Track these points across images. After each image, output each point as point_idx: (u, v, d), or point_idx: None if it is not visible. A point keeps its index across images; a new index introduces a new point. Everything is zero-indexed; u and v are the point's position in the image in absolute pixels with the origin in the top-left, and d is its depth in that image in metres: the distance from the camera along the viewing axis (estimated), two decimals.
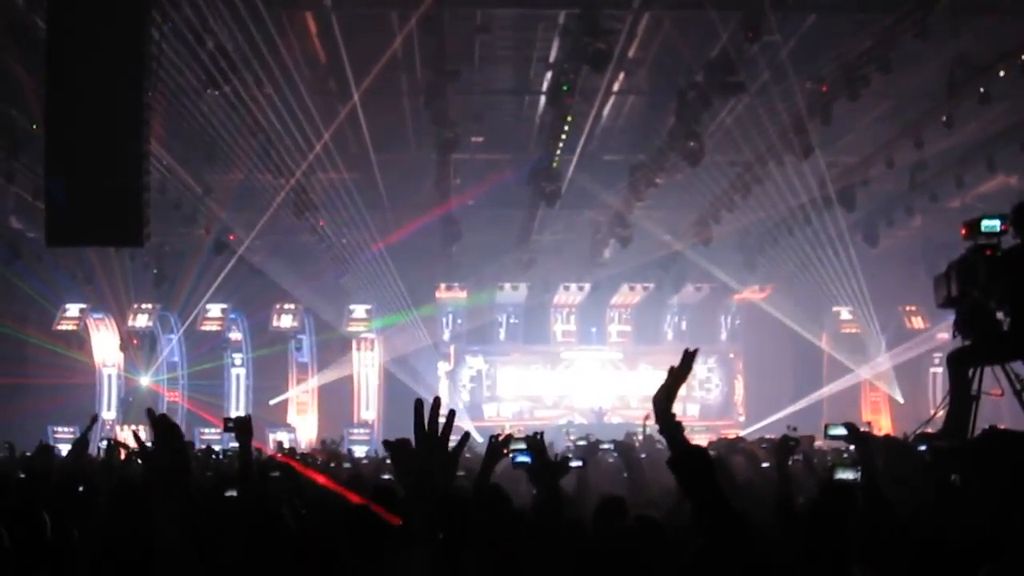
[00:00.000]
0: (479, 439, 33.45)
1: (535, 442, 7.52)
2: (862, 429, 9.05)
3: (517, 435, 8.11)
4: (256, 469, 11.10)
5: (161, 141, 22.28)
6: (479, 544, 6.49)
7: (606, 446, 13.95)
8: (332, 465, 16.59)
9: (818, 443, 15.70)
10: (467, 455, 16.72)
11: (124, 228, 17.10)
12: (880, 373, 35.92)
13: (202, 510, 5.75)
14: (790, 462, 9.39)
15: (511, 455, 7.61)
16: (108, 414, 35.42)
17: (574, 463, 8.48)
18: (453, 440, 5.98)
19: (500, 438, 8.11)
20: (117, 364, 36.46)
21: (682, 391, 5.46)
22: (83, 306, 35.46)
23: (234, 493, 8.47)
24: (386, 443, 5.87)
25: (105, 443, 16.09)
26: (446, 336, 38.43)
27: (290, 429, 35.37)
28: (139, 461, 15.41)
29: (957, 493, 6.24)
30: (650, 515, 6.70)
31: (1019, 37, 20.10)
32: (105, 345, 36.54)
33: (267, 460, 15.34)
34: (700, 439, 29.75)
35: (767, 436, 17.40)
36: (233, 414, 28.07)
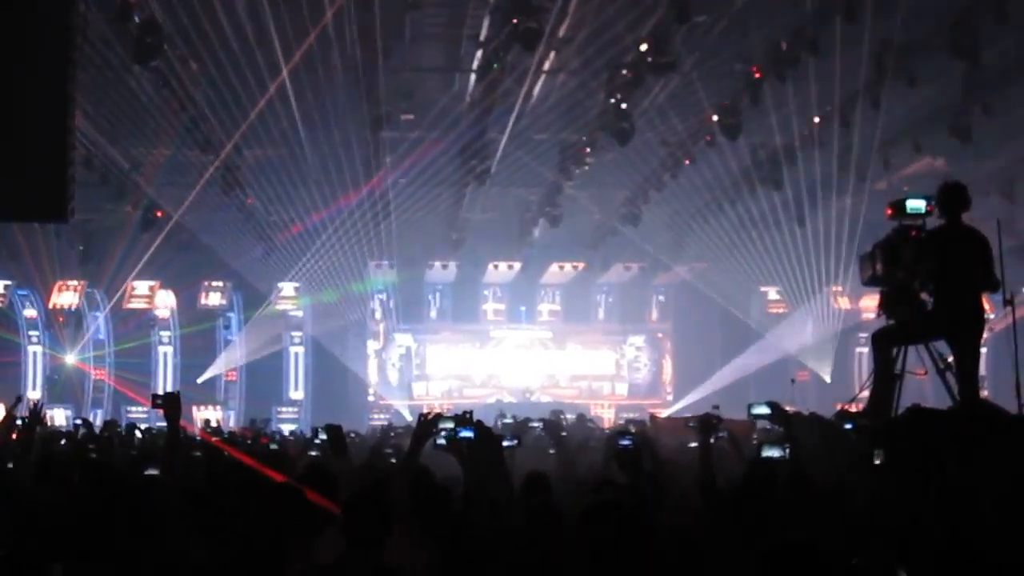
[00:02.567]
0: (408, 417, 33.55)
1: (469, 421, 7.53)
2: (787, 407, 9.14)
3: (446, 414, 8.11)
4: (187, 449, 11.04)
5: (87, 116, 22.04)
6: (409, 524, 6.50)
7: (534, 424, 14.01)
8: (260, 443, 16.55)
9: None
10: (392, 434, 16.72)
11: (49, 203, 16.87)
12: (807, 352, 36.24)
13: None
14: (713, 440, 9.49)
15: (436, 436, 7.60)
16: (33, 393, 35.07)
17: (507, 442, 8.49)
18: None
19: (428, 416, 8.10)
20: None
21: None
22: (7, 283, 35.00)
23: (155, 472, 8.42)
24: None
25: (21, 421, 15.95)
26: (376, 314, 38.30)
27: (217, 408, 35.15)
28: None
29: (878, 470, 6.33)
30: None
31: (947, 19, 20.27)
32: None
33: (190, 440, 15.27)
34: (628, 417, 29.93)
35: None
36: (161, 391, 27.87)
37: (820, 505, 6.64)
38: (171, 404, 8.62)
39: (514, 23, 19.09)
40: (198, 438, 17.23)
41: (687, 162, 27.31)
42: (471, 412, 7.64)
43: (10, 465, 9.97)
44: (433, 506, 6.94)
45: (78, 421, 20.87)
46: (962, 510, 4.75)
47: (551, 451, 11.59)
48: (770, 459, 7.84)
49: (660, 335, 39.63)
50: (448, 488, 7.25)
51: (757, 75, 22.10)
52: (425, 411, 8.56)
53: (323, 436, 10.03)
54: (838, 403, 12.55)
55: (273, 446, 16.68)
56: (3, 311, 35.25)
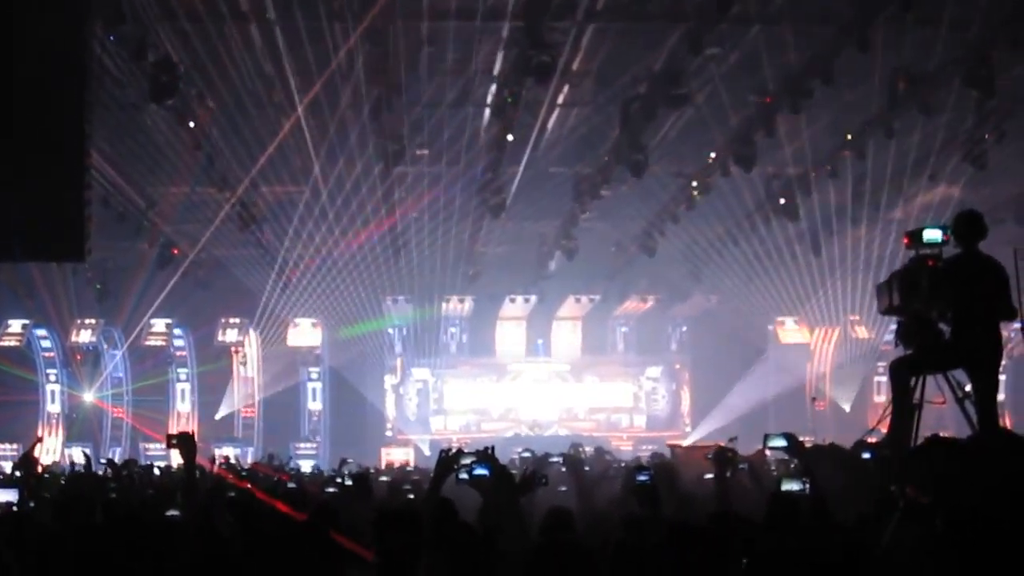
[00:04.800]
0: (427, 452, 33.52)
1: (489, 457, 7.51)
2: (805, 440, 9.11)
3: (466, 449, 8.08)
4: (207, 489, 10.98)
5: (104, 154, 22.13)
6: (432, 558, 6.47)
7: (554, 459, 13.95)
8: (277, 479, 16.50)
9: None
10: (409, 468, 16.68)
11: (66, 243, 16.94)
12: (825, 381, 36.14)
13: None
14: (731, 473, 9.47)
15: (458, 471, 7.57)
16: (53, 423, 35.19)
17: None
18: None
19: (450, 452, 8.09)
20: None
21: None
22: (25, 322, 35.10)
23: (176, 513, 8.38)
24: None
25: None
26: (394, 349, 38.30)
27: (235, 444, 35.12)
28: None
29: (896, 503, 6.28)
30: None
31: (960, 49, 20.26)
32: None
33: (220, 481, 15.25)
34: (646, 449, 29.87)
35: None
36: (177, 430, 27.91)
37: (842, 538, 6.61)
38: (186, 443, 8.60)
39: (527, 57, 19.14)
40: (215, 473, 17.21)
41: (702, 193, 27.27)
42: (492, 448, 7.60)
43: (32, 504, 9.98)
44: (452, 538, 6.93)
45: (103, 461, 20.92)
46: (970, 537, 4.71)
47: (561, 488, 11.49)
48: (790, 492, 7.80)
49: (678, 366, 39.54)
50: (468, 522, 7.23)
51: (771, 106, 22.11)
52: (446, 447, 8.52)
53: (348, 482, 10.11)
54: (860, 434, 12.47)
55: (291, 485, 16.66)
56: (21, 350, 35.32)
